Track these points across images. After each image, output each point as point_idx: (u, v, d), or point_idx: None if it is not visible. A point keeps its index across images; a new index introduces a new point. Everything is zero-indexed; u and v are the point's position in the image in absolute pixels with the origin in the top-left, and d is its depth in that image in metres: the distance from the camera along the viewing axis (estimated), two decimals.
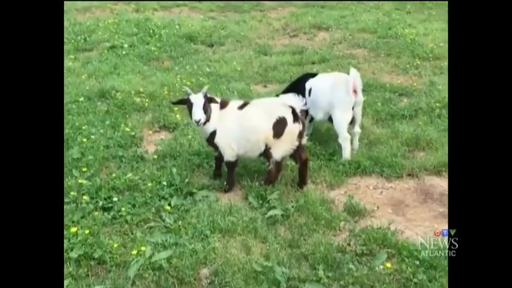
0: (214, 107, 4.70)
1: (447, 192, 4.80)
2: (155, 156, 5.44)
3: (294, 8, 14.00)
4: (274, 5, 14.52)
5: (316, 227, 4.19)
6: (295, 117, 4.53)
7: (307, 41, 10.80)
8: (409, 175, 5.14)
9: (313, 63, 9.06)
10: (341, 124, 5.25)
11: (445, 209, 4.55)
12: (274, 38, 11.10)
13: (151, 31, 10.72)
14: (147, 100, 6.99)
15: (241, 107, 4.72)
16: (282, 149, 4.59)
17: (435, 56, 9.10)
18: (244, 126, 4.62)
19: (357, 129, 5.46)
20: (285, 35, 11.34)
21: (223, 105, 4.76)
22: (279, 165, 4.68)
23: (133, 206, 4.46)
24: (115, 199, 4.52)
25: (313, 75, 5.77)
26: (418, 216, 4.47)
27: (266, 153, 4.63)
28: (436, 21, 12.38)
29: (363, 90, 5.41)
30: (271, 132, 4.51)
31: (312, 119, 5.68)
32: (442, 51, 9.32)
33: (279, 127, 4.50)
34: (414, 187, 4.96)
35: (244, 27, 11.71)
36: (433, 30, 11.25)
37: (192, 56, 9.53)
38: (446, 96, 6.84)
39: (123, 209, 4.35)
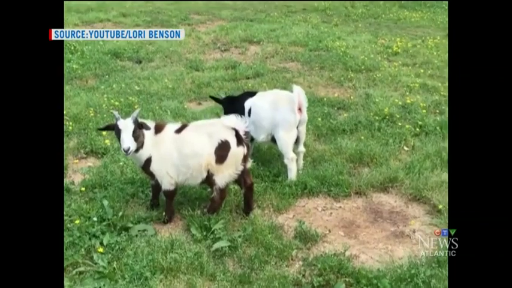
0: (148, 132, 4.26)
1: (396, 210, 4.71)
2: (83, 188, 4.87)
3: (222, 22, 13.78)
4: (203, 19, 14.22)
5: (267, 258, 3.87)
6: (239, 140, 4.20)
7: (239, 55, 10.56)
8: (356, 193, 4.98)
9: (248, 78, 8.81)
10: (286, 144, 4.99)
11: (396, 228, 4.42)
12: (205, 52, 10.77)
13: (72, 48, 9.97)
14: (70, 123, 6.35)
15: (178, 131, 4.31)
16: (225, 175, 4.23)
17: (367, 68, 9.18)
18: (183, 152, 4.21)
19: (301, 148, 5.23)
20: (216, 50, 11.05)
21: (159, 129, 4.32)
22: (223, 192, 4.31)
23: None
24: None
25: (252, 93, 5.46)
26: (371, 238, 4.29)
27: (209, 180, 4.25)
28: (363, 32, 12.68)
29: None
30: (213, 157, 4.14)
31: (252, 139, 5.37)
32: (374, 63, 9.45)
33: (222, 151, 4.15)
34: (363, 206, 4.79)
35: (173, 42, 11.23)
36: (361, 42, 11.47)
37: (119, 73, 8.94)
38: (384, 108, 6.85)
39: None
